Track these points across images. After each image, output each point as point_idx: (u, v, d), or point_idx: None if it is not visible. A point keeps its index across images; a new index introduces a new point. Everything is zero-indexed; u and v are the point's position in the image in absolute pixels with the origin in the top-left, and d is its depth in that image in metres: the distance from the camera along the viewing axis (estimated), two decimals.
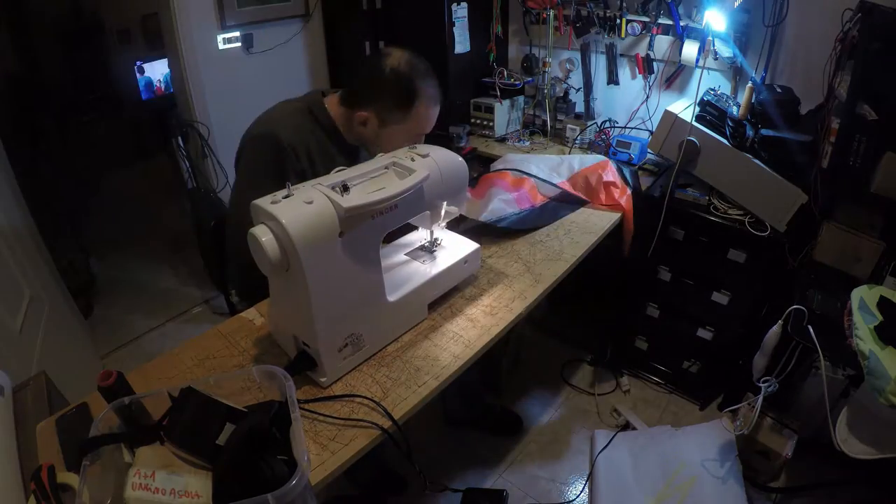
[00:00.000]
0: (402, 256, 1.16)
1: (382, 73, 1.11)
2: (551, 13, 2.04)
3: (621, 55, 2.03)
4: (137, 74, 3.51)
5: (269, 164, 1.11)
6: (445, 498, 1.61)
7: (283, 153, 1.10)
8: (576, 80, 2.16)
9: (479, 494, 1.61)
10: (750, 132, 1.59)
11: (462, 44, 2.15)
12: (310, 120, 1.18)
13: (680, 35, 1.83)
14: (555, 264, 1.30)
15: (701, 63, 1.79)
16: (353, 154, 1.26)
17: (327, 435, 0.83)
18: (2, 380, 0.95)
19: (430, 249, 1.16)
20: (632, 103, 2.08)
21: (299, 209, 0.79)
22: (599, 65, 2.10)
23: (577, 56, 2.10)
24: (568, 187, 1.62)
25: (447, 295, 1.15)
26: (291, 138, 1.12)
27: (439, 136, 2.17)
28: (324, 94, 1.22)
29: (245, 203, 1.14)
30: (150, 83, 3.61)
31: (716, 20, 1.66)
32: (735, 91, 1.81)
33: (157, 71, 3.55)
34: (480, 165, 2.15)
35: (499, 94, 2.19)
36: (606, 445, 1.73)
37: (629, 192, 1.60)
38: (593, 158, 1.72)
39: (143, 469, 0.70)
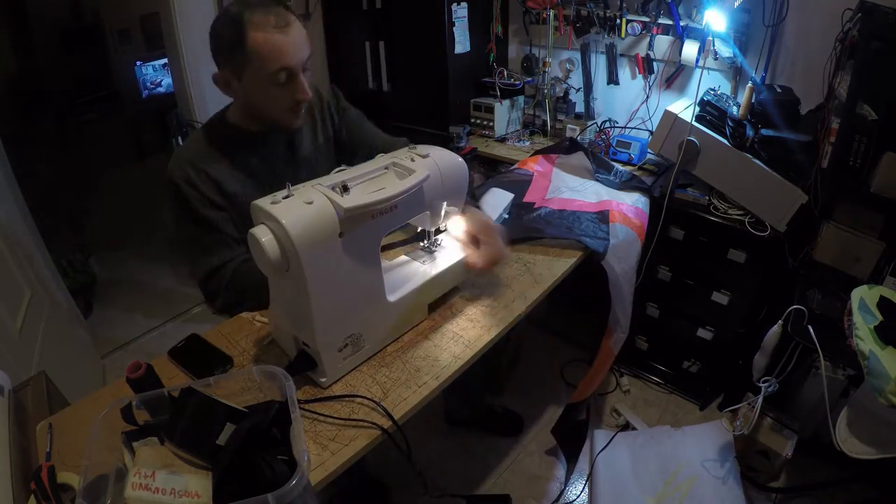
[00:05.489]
0: (402, 256, 1.15)
1: (215, 22, 1.01)
2: (551, 13, 2.04)
3: (621, 55, 2.03)
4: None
5: (178, 207, 1.06)
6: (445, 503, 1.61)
7: (179, 191, 1.04)
8: (576, 80, 2.16)
9: (483, 501, 1.60)
10: (750, 132, 1.59)
11: (462, 44, 2.15)
12: (205, 143, 1.09)
13: (680, 35, 1.83)
14: (555, 264, 1.30)
15: (701, 63, 1.79)
16: (270, 141, 1.15)
17: (327, 435, 0.83)
18: (2, 380, 0.95)
19: (429, 250, 1.16)
20: (632, 103, 2.08)
21: (299, 209, 0.79)
22: (599, 65, 2.10)
23: (577, 56, 2.10)
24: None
25: (447, 295, 1.15)
26: (182, 173, 1.04)
27: (439, 136, 2.18)
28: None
29: (185, 246, 1.10)
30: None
31: (716, 20, 1.66)
32: (735, 91, 1.81)
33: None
34: (481, 165, 2.15)
35: (499, 94, 2.19)
36: (606, 445, 1.73)
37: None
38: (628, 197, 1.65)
39: (143, 469, 0.70)
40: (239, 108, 1.11)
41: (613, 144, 1.96)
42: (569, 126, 2.11)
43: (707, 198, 1.68)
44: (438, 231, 1.14)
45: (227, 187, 1.08)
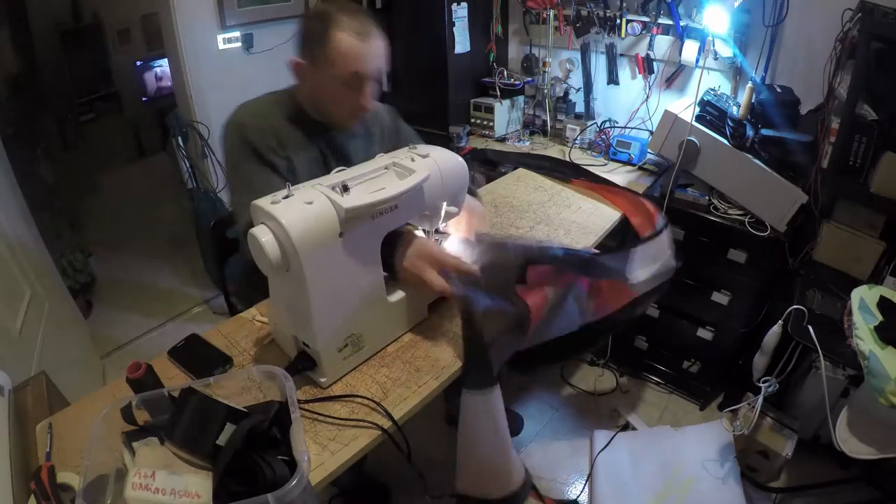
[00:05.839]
0: None
1: (305, 14, 1.11)
2: (551, 13, 2.04)
3: (621, 55, 2.03)
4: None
5: (239, 146, 1.09)
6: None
7: (246, 131, 1.08)
8: (576, 80, 2.16)
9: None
10: (750, 132, 1.59)
11: (462, 44, 2.15)
12: (276, 108, 1.15)
13: (680, 35, 1.83)
14: None
15: (701, 63, 1.79)
16: (328, 138, 1.20)
17: (327, 435, 0.83)
18: (2, 380, 0.95)
19: None
20: (632, 103, 2.08)
21: (299, 209, 0.79)
22: (599, 65, 2.10)
23: (577, 56, 2.10)
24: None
25: None
26: (253, 119, 1.10)
27: (439, 136, 2.18)
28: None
29: (234, 193, 1.12)
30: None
31: (716, 20, 1.66)
32: (735, 91, 1.81)
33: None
34: (480, 165, 2.15)
35: (499, 94, 2.19)
36: (606, 445, 1.73)
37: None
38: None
39: (144, 469, 0.70)
40: (306, 95, 1.15)
41: (613, 144, 1.96)
42: (569, 126, 2.11)
43: (707, 198, 1.68)
44: (438, 231, 1.14)
45: (288, 148, 1.12)
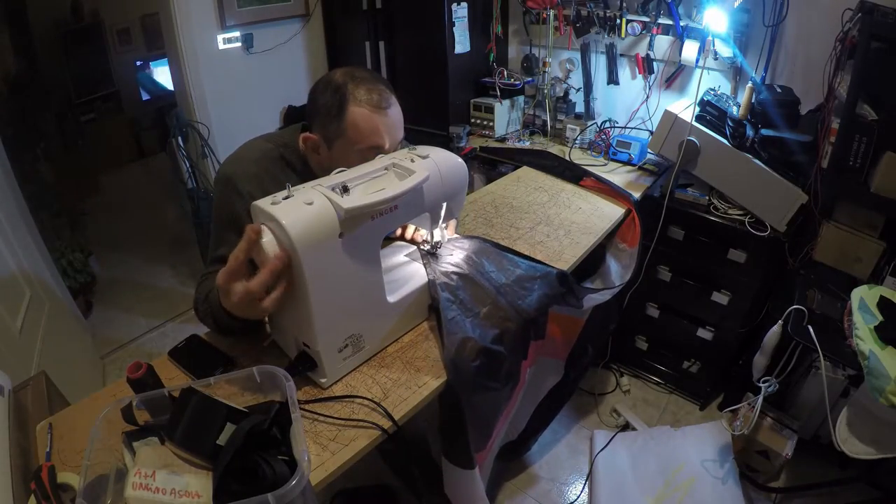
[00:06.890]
0: (402, 257, 1.15)
1: (318, 86, 1.03)
2: (551, 13, 2.04)
3: (621, 55, 2.03)
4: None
5: (228, 211, 1.02)
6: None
7: (242, 200, 1.00)
8: (576, 80, 2.16)
9: None
10: (750, 132, 1.59)
11: (462, 44, 2.15)
12: (279, 166, 1.07)
13: (680, 35, 1.83)
14: (555, 265, 1.30)
15: (701, 63, 1.79)
16: None
17: (327, 435, 0.83)
18: (2, 380, 0.95)
19: (430, 250, 1.16)
20: (632, 103, 2.08)
21: (299, 210, 0.79)
22: (599, 65, 2.09)
23: (577, 56, 2.10)
24: None
25: None
26: (250, 187, 1.00)
27: (439, 136, 2.18)
28: (305, 129, 1.10)
29: (212, 251, 1.06)
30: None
31: (716, 20, 1.66)
32: (735, 91, 1.81)
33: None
34: (480, 164, 2.15)
35: (499, 94, 2.19)
36: (606, 445, 1.73)
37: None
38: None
39: (144, 469, 0.70)
40: (317, 164, 1.09)
41: (613, 144, 1.96)
42: (569, 126, 2.11)
43: (707, 198, 1.68)
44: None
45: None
